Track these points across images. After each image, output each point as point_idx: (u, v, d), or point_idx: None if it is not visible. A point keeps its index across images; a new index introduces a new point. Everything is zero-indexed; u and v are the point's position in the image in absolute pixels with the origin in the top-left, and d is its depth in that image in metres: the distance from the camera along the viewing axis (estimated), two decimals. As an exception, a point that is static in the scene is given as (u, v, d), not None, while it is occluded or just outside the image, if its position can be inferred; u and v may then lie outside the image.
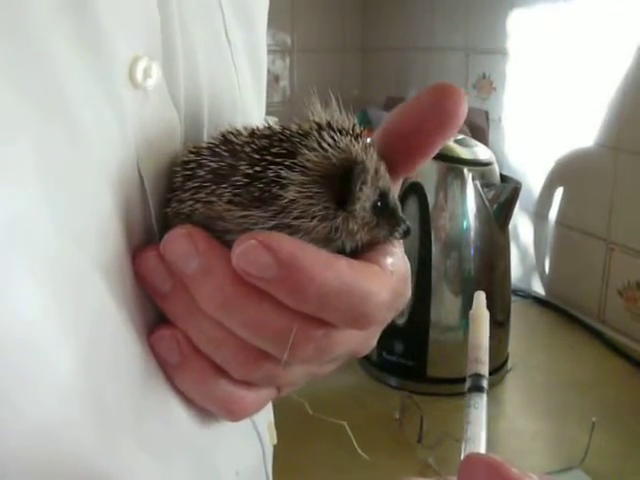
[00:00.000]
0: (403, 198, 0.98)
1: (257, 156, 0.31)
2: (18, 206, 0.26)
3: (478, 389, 0.27)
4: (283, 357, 0.31)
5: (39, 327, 0.27)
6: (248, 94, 0.42)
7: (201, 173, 0.32)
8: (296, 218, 0.31)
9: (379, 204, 0.33)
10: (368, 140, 0.34)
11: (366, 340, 0.35)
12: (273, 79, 1.81)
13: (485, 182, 0.97)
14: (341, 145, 0.32)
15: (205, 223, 0.31)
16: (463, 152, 0.99)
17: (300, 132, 0.33)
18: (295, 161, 0.31)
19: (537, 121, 1.33)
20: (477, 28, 1.46)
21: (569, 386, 1.02)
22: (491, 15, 1.40)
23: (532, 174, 1.34)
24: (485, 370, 0.28)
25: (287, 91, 1.85)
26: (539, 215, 1.35)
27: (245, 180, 0.31)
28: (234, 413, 0.35)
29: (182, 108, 0.34)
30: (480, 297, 0.32)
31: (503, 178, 1.01)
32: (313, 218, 0.31)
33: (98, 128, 0.29)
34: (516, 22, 1.35)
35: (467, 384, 0.28)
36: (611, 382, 1.03)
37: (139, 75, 0.31)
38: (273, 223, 0.31)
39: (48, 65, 0.27)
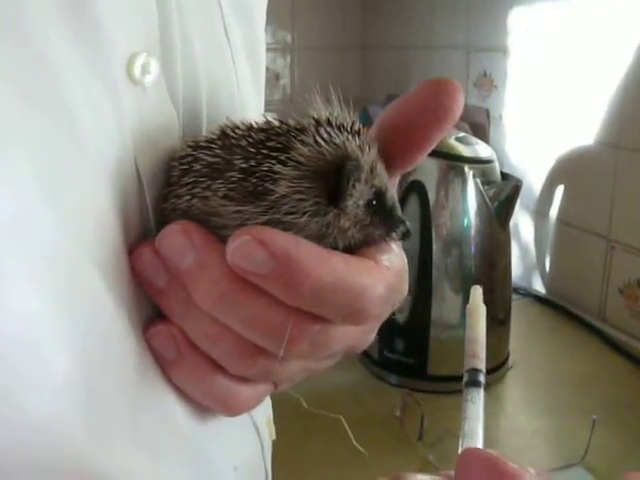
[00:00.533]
0: (404, 196, 0.98)
1: (253, 150, 0.31)
2: (15, 203, 0.26)
3: (475, 384, 0.27)
4: (279, 352, 0.31)
5: (34, 323, 0.27)
6: (247, 91, 0.42)
7: (197, 167, 0.32)
8: (287, 214, 0.31)
9: (374, 202, 0.33)
10: (367, 138, 0.33)
11: (363, 336, 0.35)
12: (274, 77, 1.81)
13: (486, 180, 0.97)
14: (336, 141, 0.32)
15: (201, 219, 0.31)
16: (464, 150, 0.99)
17: (297, 127, 0.32)
18: (289, 155, 0.31)
19: (538, 119, 1.33)
20: (478, 26, 1.46)
21: (570, 384, 1.02)
22: (492, 13, 1.40)
23: (533, 172, 1.34)
24: (482, 365, 0.28)
25: (287, 89, 1.85)
26: (540, 213, 1.35)
27: (240, 175, 0.31)
28: (231, 408, 0.35)
29: (180, 104, 0.34)
30: (477, 291, 0.32)
31: (504, 176, 1.01)
32: (304, 214, 0.31)
33: (96, 124, 0.29)
34: (517, 20, 1.35)
35: (464, 379, 0.28)
36: (611, 380, 1.03)
37: (137, 71, 0.31)
38: (265, 218, 0.30)
39: (45, 62, 0.27)
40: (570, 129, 1.25)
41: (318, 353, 0.32)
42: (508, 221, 1.01)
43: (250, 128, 0.33)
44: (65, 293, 0.28)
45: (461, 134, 1.03)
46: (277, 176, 0.31)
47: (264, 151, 0.31)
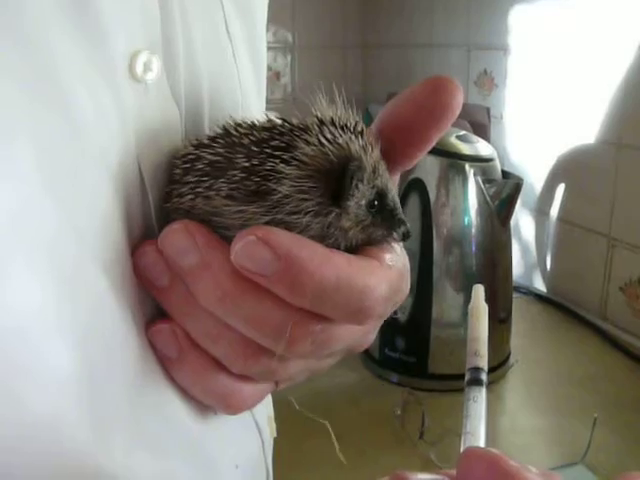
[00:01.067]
0: (404, 194, 0.98)
1: (255, 149, 0.31)
2: (17, 198, 0.26)
3: (477, 382, 0.27)
4: (279, 351, 0.31)
5: (35, 318, 0.27)
6: (248, 88, 0.42)
7: (199, 166, 0.32)
8: (289, 213, 0.31)
9: (376, 203, 0.33)
10: (370, 138, 0.33)
11: (365, 335, 0.35)
12: (274, 76, 1.81)
13: (487, 178, 0.97)
14: (340, 141, 0.32)
15: (204, 218, 0.31)
16: (465, 148, 0.99)
17: (301, 126, 0.32)
18: (292, 155, 0.31)
19: (538, 117, 1.33)
20: (478, 24, 1.46)
21: (571, 382, 1.02)
22: (492, 11, 1.40)
23: (534, 170, 1.34)
24: (484, 363, 0.28)
25: (288, 88, 1.85)
26: (541, 211, 1.35)
27: (242, 174, 0.31)
28: (232, 407, 0.35)
29: (183, 102, 0.34)
30: (478, 290, 0.32)
31: (505, 174, 1.01)
32: (306, 214, 0.31)
33: (98, 121, 0.29)
34: (517, 18, 1.35)
35: (466, 377, 0.28)
36: (613, 378, 1.03)
37: (139, 69, 0.31)
38: (267, 218, 0.30)
39: (47, 59, 0.27)
40: (571, 127, 1.25)
41: (320, 352, 0.32)
42: (509, 219, 1.01)
43: (253, 127, 0.33)
44: (67, 289, 0.28)
45: (462, 132, 1.03)
46: (280, 175, 0.31)
47: (267, 150, 0.31)
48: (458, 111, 0.34)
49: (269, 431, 0.46)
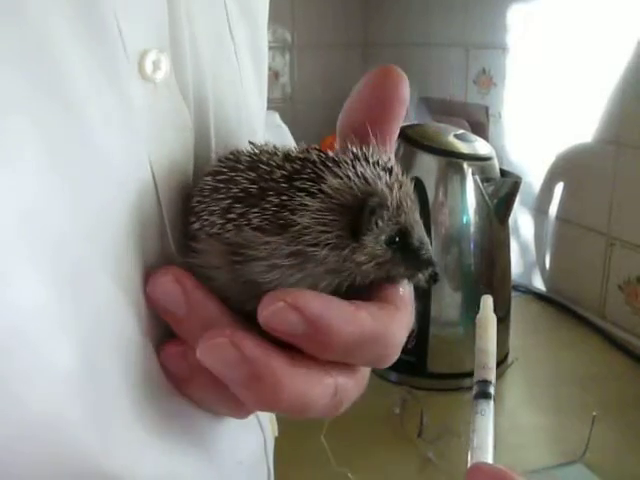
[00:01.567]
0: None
1: (285, 185, 0.31)
2: (24, 198, 0.26)
3: (485, 395, 0.27)
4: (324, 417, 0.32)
5: (38, 317, 0.27)
6: (250, 88, 0.42)
7: (234, 190, 0.32)
8: (309, 245, 0.31)
9: (397, 240, 0.33)
10: (400, 175, 0.33)
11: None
12: (273, 75, 1.81)
13: (485, 177, 0.97)
14: (367, 176, 0.32)
15: (231, 249, 0.31)
16: (463, 147, 0.99)
17: (335, 159, 0.32)
18: (319, 187, 0.31)
19: (537, 116, 1.33)
20: (477, 23, 1.46)
21: (570, 381, 1.02)
22: (491, 10, 1.40)
23: (532, 169, 1.34)
24: (492, 376, 0.28)
25: (287, 88, 1.84)
26: (539, 210, 1.35)
27: (274, 208, 0.31)
28: (242, 414, 0.35)
29: (191, 101, 0.34)
30: (487, 301, 0.31)
31: (503, 173, 1.01)
32: (325, 246, 0.31)
33: (107, 121, 0.29)
34: (516, 17, 1.35)
35: (474, 390, 0.27)
36: (611, 377, 1.03)
37: (149, 68, 0.31)
38: (289, 250, 0.30)
39: (55, 59, 0.27)
40: (569, 126, 1.25)
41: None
42: (507, 218, 1.01)
43: (287, 157, 0.33)
44: (71, 290, 0.28)
45: (460, 131, 1.03)
46: (303, 208, 0.31)
47: (296, 183, 0.31)
48: (406, 96, 0.34)
49: (271, 429, 0.46)
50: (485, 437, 0.25)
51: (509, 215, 1.01)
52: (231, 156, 0.34)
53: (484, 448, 0.25)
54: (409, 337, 0.35)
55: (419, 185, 0.97)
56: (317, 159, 0.32)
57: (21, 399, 0.27)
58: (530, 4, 1.31)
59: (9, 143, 0.26)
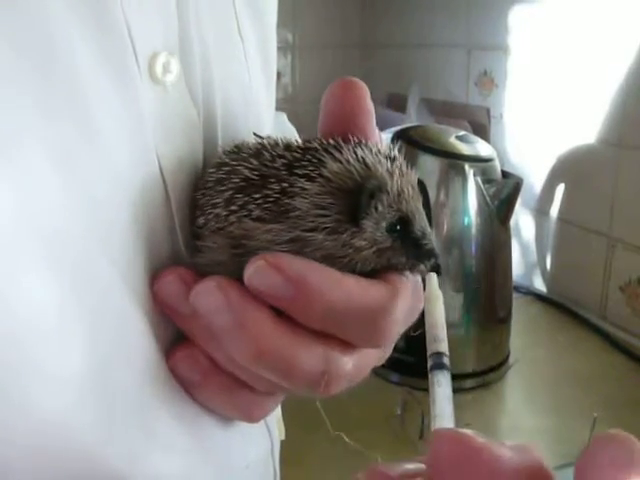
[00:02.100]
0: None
1: (285, 172, 0.31)
2: (34, 198, 0.26)
3: (440, 366, 0.28)
4: (317, 396, 0.32)
5: (43, 317, 0.27)
6: (259, 90, 0.42)
7: (235, 180, 0.32)
8: (307, 230, 0.31)
9: (397, 228, 0.32)
10: (404, 165, 0.33)
11: (383, 356, 0.35)
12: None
13: (486, 178, 0.97)
14: (367, 161, 0.32)
15: (235, 243, 0.31)
16: (464, 148, 0.99)
17: (336, 145, 0.32)
18: (319, 171, 0.31)
19: (538, 117, 1.33)
20: (478, 24, 1.46)
21: (570, 382, 1.02)
22: (493, 11, 1.40)
23: (533, 170, 1.34)
24: (445, 347, 0.28)
25: (289, 88, 1.85)
26: (540, 211, 1.35)
27: (276, 195, 0.31)
28: (253, 418, 0.36)
29: (200, 102, 0.34)
30: (432, 278, 0.32)
31: (504, 174, 1.01)
32: (322, 230, 0.31)
33: (117, 123, 0.29)
34: (518, 18, 1.35)
35: (429, 363, 0.28)
36: (612, 378, 1.03)
37: (159, 70, 0.31)
38: (290, 236, 0.30)
39: (66, 60, 0.27)
40: (571, 127, 1.25)
41: (351, 384, 0.33)
42: (509, 219, 1.01)
43: (288, 147, 0.33)
44: (79, 289, 0.28)
45: (461, 133, 1.03)
46: (301, 192, 0.31)
47: (297, 170, 0.31)
48: (371, 107, 0.34)
49: (277, 432, 0.46)
50: (444, 405, 0.26)
51: (510, 216, 1.01)
52: (235, 148, 0.34)
53: (444, 415, 0.26)
54: (413, 328, 0.34)
55: (421, 186, 0.97)
56: (319, 146, 0.32)
57: (29, 402, 0.27)
58: (532, 6, 1.31)
59: (16, 142, 0.26)
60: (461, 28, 1.51)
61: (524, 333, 1.17)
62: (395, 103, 1.62)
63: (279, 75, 1.83)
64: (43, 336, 0.27)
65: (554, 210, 1.32)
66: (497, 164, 1.01)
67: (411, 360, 1.00)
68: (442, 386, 0.27)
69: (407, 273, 0.33)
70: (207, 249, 0.32)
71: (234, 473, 0.39)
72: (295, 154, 0.32)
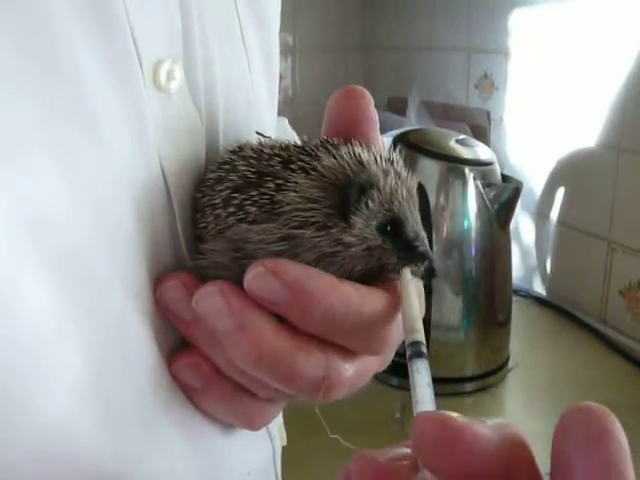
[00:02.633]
0: (404, 198, 0.98)
1: (280, 168, 0.32)
2: (38, 203, 0.26)
3: (418, 355, 0.28)
4: (317, 402, 0.32)
5: (46, 326, 0.27)
6: (261, 97, 0.42)
7: (233, 178, 0.32)
8: (296, 227, 0.31)
9: (388, 228, 0.32)
10: (401, 167, 0.33)
11: (383, 363, 0.35)
12: (275, 79, 1.81)
13: (486, 182, 0.97)
14: (362, 159, 0.32)
15: (234, 246, 0.31)
16: (464, 152, 0.99)
17: (334, 143, 0.33)
18: (313, 165, 0.31)
19: (539, 121, 1.33)
20: (479, 28, 1.46)
21: (570, 386, 1.02)
22: (493, 15, 1.40)
23: (533, 174, 1.34)
24: (421, 337, 0.29)
25: (289, 91, 1.85)
26: (540, 215, 1.36)
27: (271, 193, 0.31)
28: (255, 425, 0.36)
29: (203, 109, 0.34)
30: (406, 274, 0.32)
31: (504, 178, 1.02)
32: (312, 225, 0.31)
33: (121, 131, 0.29)
34: (518, 22, 1.35)
35: (407, 353, 0.28)
36: (612, 382, 1.03)
37: (163, 77, 0.31)
38: (279, 235, 0.31)
39: (71, 69, 0.27)
40: (571, 131, 1.25)
41: (352, 390, 0.33)
42: (508, 223, 1.02)
43: (286, 147, 0.33)
44: (82, 299, 0.28)
45: (461, 136, 1.03)
46: (292, 186, 0.31)
47: (292, 166, 0.31)
48: (375, 115, 0.34)
49: (279, 439, 0.46)
50: (424, 391, 0.26)
51: (510, 220, 1.01)
52: (237, 148, 0.34)
53: (425, 400, 0.26)
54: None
55: (420, 190, 0.97)
56: (316, 144, 0.33)
57: (33, 409, 0.27)
58: (532, 9, 1.31)
59: (22, 146, 0.26)
60: (461, 31, 1.51)
61: (524, 336, 1.17)
62: (395, 106, 1.62)
63: (279, 78, 1.83)
64: (44, 340, 0.27)
65: (554, 214, 1.32)
66: (497, 168, 1.01)
67: (411, 363, 1.00)
68: (421, 373, 0.27)
69: (408, 278, 0.33)
70: (209, 252, 0.32)
71: None
72: (291, 152, 0.32)
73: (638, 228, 1.14)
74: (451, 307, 0.99)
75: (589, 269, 1.25)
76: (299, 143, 0.34)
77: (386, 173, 0.32)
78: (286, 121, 0.58)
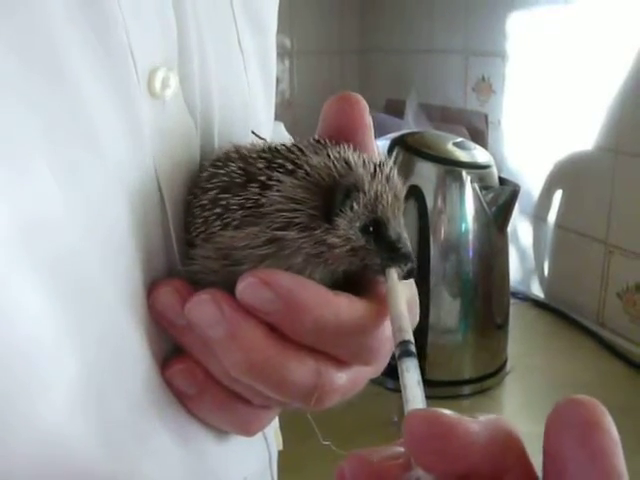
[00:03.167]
0: (402, 201, 0.98)
1: (265, 168, 0.32)
2: (32, 210, 0.26)
3: (407, 354, 0.28)
4: (309, 409, 0.32)
5: (42, 332, 0.27)
6: (258, 100, 0.42)
7: (224, 178, 0.32)
8: (280, 228, 0.31)
9: (371, 229, 0.32)
10: (391, 172, 0.33)
11: (377, 371, 0.35)
12: (272, 81, 1.81)
13: (484, 185, 0.98)
14: (349, 160, 0.32)
15: (222, 254, 0.31)
16: (462, 155, 0.99)
17: (325, 142, 0.33)
18: (298, 164, 0.31)
19: (536, 124, 1.33)
20: (476, 31, 1.47)
21: (568, 388, 1.02)
22: (490, 18, 1.41)
23: (531, 177, 1.34)
24: (409, 335, 0.29)
25: (286, 94, 1.85)
26: (538, 217, 1.36)
27: (255, 197, 0.31)
28: (250, 431, 0.36)
29: (198, 116, 0.34)
30: (392, 274, 0.33)
31: (502, 181, 1.02)
32: (295, 226, 0.31)
33: (116, 139, 0.29)
34: (515, 25, 1.35)
35: (396, 352, 0.29)
36: (610, 384, 1.03)
37: (157, 85, 0.31)
38: (265, 237, 0.31)
39: (66, 77, 0.27)
40: (568, 134, 1.26)
41: (345, 398, 0.33)
42: (506, 226, 1.02)
43: (275, 148, 0.33)
44: (78, 304, 0.28)
45: (459, 139, 1.03)
46: (276, 184, 0.31)
47: (276, 165, 0.31)
48: (369, 121, 0.35)
49: (275, 443, 0.46)
50: (415, 390, 0.27)
51: (508, 223, 1.01)
52: (232, 148, 0.34)
53: (415, 399, 0.26)
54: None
55: (418, 193, 0.97)
56: (307, 143, 0.33)
57: (29, 415, 0.27)
58: (530, 12, 1.31)
59: (21, 155, 0.26)
60: (459, 34, 1.51)
61: (521, 339, 1.17)
62: (393, 108, 1.62)
63: (277, 81, 1.83)
64: (41, 346, 0.27)
65: (551, 216, 1.32)
66: (494, 170, 1.01)
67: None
68: (411, 372, 0.27)
69: (394, 278, 0.33)
70: (199, 258, 0.32)
71: None
72: (279, 152, 0.32)
73: (635, 231, 1.15)
74: (449, 310, 0.99)
75: (586, 272, 1.25)
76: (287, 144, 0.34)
77: (373, 177, 0.32)
78: (282, 125, 0.58)
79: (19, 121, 0.26)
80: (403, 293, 0.32)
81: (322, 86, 1.75)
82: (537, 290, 1.37)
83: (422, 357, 0.99)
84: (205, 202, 0.32)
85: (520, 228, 1.39)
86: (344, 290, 0.32)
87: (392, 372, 0.32)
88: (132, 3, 0.29)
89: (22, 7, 0.26)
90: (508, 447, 0.23)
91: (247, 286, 0.29)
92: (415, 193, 0.97)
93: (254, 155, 0.33)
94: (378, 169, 0.33)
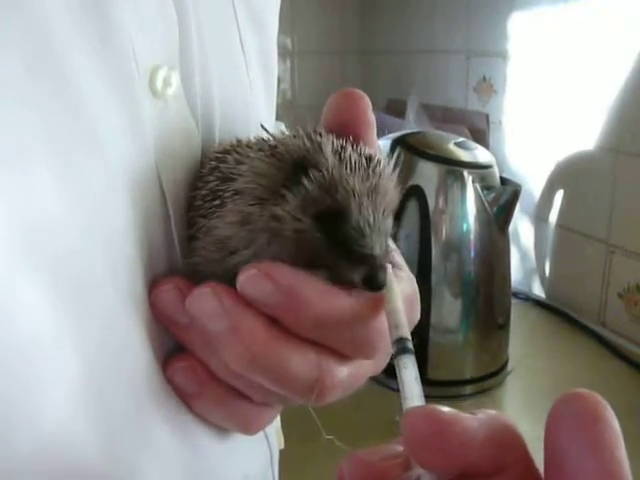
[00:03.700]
0: (403, 201, 0.98)
1: (252, 153, 0.32)
2: (33, 210, 0.26)
3: (405, 351, 0.28)
4: (311, 403, 0.32)
5: (43, 333, 0.27)
6: (259, 100, 0.42)
7: (213, 176, 0.32)
8: (249, 205, 0.30)
9: (326, 218, 0.30)
10: (377, 171, 0.32)
11: (377, 367, 0.35)
12: (274, 81, 1.81)
13: (485, 185, 0.98)
14: (322, 143, 0.31)
15: (219, 246, 0.32)
16: (463, 155, 0.99)
17: (310, 131, 0.32)
18: (273, 144, 0.31)
19: (537, 124, 1.33)
20: (478, 31, 1.47)
21: (569, 388, 1.01)
22: (492, 18, 1.40)
23: (532, 177, 1.34)
24: (407, 332, 0.29)
25: (287, 94, 1.85)
26: (539, 218, 1.36)
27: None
28: (251, 429, 0.36)
29: (199, 115, 0.35)
30: (388, 269, 0.32)
31: (503, 181, 1.02)
32: (259, 199, 0.30)
33: (117, 138, 0.29)
34: (517, 25, 1.35)
35: (393, 349, 0.28)
36: (611, 385, 1.03)
37: (159, 84, 0.31)
38: (239, 217, 0.31)
39: (69, 77, 0.27)
40: (569, 134, 1.26)
41: (346, 394, 0.34)
42: (507, 226, 1.02)
43: (266, 139, 0.33)
44: (78, 304, 0.28)
45: (460, 139, 1.03)
46: (246, 159, 0.31)
47: (257, 147, 0.32)
48: (372, 118, 0.34)
49: (277, 442, 0.46)
50: (413, 386, 0.26)
51: (509, 223, 1.01)
52: (236, 142, 0.34)
53: (413, 396, 0.26)
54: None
55: (419, 193, 0.97)
56: (304, 132, 0.32)
57: (29, 416, 0.27)
58: (531, 12, 1.31)
59: (22, 156, 0.26)
60: (460, 34, 1.51)
61: (523, 339, 1.17)
62: (394, 109, 1.62)
63: (278, 81, 1.83)
64: (43, 346, 0.27)
65: (553, 216, 1.32)
66: (496, 170, 1.01)
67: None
68: (408, 368, 0.27)
69: (390, 274, 0.32)
70: (200, 249, 0.33)
71: None
72: (267, 141, 0.32)
73: (637, 231, 1.15)
74: (450, 310, 0.99)
75: (588, 272, 1.25)
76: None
77: (343, 162, 0.30)
78: (282, 126, 0.58)
79: (20, 121, 0.26)
80: (399, 289, 0.32)
81: (323, 86, 1.75)
82: (538, 290, 1.37)
83: (423, 357, 0.99)
84: (206, 192, 0.33)
85: (521, 228, 1.39)
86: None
87: (394, 372, 0.32)
88: (133, 2, 0.30)
89: (23, 7, 0.26)
90: (508, 443, 0.24)
91: (248, 278, 0.29)
92: (416, 193, 0.97)
93: (251, 145, 0.33)
94: (362, 159, 0.31)
